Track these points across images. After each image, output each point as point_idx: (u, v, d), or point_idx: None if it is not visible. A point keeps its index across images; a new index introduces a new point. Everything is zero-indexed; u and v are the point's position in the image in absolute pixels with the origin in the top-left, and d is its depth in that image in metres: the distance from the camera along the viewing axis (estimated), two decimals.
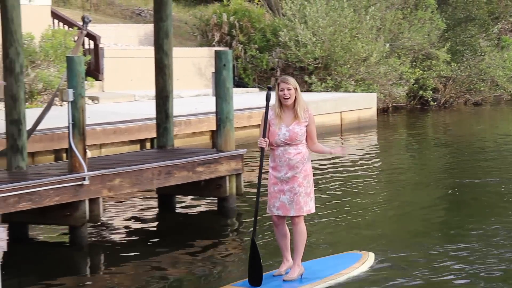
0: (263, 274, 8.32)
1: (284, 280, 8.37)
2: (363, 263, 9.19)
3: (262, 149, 8.19)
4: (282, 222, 8.41)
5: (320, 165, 17.16)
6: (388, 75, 25.46)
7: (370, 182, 15.14)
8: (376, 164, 17.66)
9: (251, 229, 8.73)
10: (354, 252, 9.62)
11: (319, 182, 14.99)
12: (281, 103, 8.23)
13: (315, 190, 13.21)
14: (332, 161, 17.64)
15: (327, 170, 16.37)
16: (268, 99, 8.27)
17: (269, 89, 8.39)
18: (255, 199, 8.42)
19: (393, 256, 9.85)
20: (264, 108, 8.28)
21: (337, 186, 14.69)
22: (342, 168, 16.59)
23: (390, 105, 26.41)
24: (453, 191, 14.47)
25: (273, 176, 8.28)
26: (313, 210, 8.44)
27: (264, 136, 8.17)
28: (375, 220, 12.12)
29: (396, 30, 26.94)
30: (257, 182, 8.37)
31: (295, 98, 8.21)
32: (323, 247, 10.38)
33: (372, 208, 12.87)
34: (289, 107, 8.23)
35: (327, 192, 14.16)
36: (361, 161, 17.67)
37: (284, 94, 8.17)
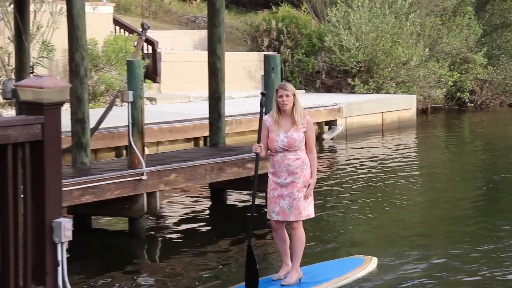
0: (263, 278, 7.98)
1: (282, 285, 7.93)
2: (364, 268, 8.64)
3: (257, 154, 7.81)
4: (281, 227, 7.97)
5: (355, 159, 17.12)
6: (427, 78, 25.30)
7: (404, 181, 15.01)
8: (413, 162, 17.56)
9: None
10: (357, 256, 9.09)
11: (351, 178, 14.96)
12: (279, 109, 7.80)
13: (349, 186, 13.06)
14: (369, 157, 17.60)
15: (363, 167, 16.33)
16: (262, 105, 7.87)
17: (263, 95, 7.98)
18: None
19: (398, 261, 9.24)
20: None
21: (367, 184, 14.60)
22: (378, 165, 16.54)
23: (429, 106, 26.23)
24: (487, 188, 14.30)
25: (272, 182, 7.89)
26: (313, 215, 7.97)
27: (259, 142, 7.78)
28: (396, 221, 11.68)
29: (435, 36, 26.77)
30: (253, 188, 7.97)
31: (293, 104, 7.78)
32: (333, 249, 10.01)
33: (396, 207, 12.58)
34: (287, 113, 7.79)
35: (355, 190, 14.10)
36: (398, 159, 17.60)
37: (283, 101, 7.73)
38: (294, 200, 7.81)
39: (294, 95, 7.75)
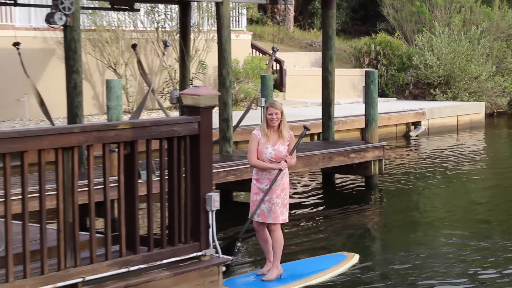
0: (248, 273, 7.19)
1: (263, 280, 6.97)
2: (344, 264, 7.48)
3: (280, 170, 6.77)
4: (262, 228, 6.97)
5: (434, 152, 16.68)
6: (494, 89, 24.46)
7: (473, 170, 14.52)
8: (481, 155, 16.97)
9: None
10: (341, 253, 7.88)
11: (430, 167, 14.52)
12: (267, 124, 6.82)
13: (423, 173, 12.38)
14: (445, 150, 17.12)
15: (440, 157, 15.89)
16: (301, 136, 6.91)
17: (306, 128, 6.98)
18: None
19: (381, 258, 8.03)
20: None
21: (442, 172, 14.19)
22: (452, 156, 16.06)
23: (495, 111, 25.26)
24: None
25: (256, 187, 6.88)
26: (287, 220, 6.94)
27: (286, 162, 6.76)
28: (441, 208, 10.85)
29: (501, 56, 25.77)
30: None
31: (281, 120, 6.81)
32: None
33: (460, 193, 12.08)
34: (274, 128, 6.81)
35: (429, 177, 13.69)
36: (469, 152, 17.05)
37: (272, 118, 6.75)
38: (272, 205, 6.82)
39: (282, 112, 6.81)
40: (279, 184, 6.82)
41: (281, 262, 7.09)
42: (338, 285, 7.06)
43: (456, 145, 18.53)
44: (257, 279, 6.98)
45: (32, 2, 13.60)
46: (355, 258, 7.65)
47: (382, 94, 23.32)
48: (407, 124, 20.00)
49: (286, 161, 6.76)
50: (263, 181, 6.82)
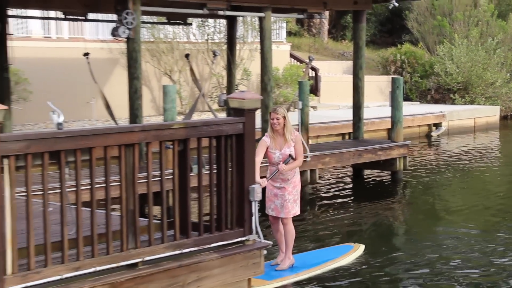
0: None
1: (276, 270, 6.76)
2: (350, 254, 7.25)
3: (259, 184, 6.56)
4: (277, 221, 6.79)
5: (453, 150, 16.38)
6: (508, 94, 23.94)
7: (487, 167, 14.21)
8: (495, 152, 16.59)
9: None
10: (348, 244, 7.63)
11: (448, 163, 14.27)
12: (272, 128, 6.54)
13: (442, 169, 12.08)
14: (463, 148, 16.80)
15: (458, 155, 15.59)
16: (286, 162, 6.55)
17: (291, 157, 6.55)
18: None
19: (387, 249, 7.65)
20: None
21: (459, 168, 13.92)
22: (469, 154, 15.74)
23: (509, 114, 24.71)
24: None
25: (270, 185, 6.68)
26: (299, 213, 6.76)
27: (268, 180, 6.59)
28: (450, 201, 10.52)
29: None
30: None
31: (284, 125, 6.48)
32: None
33: (473, 191, 11.75)
34: (279, 132, 6.52)
35: (448, 172, 13.43)
36: (485, 150, 16.70)
37: (274, 123, 6.48)
38: (284, 201, 6.66)
39: (284, 117, 6.47)
40: (290, 182, 6.65)
41: (303, 249, 6.99)
42: (345, 274, 6.85)
43: (473, 144, 18.19)
44: (271, 268, 6.79)
45: (100, 18, 13.82)
46: (360, 249, 7.45)
47: (406, 98, 22.99)
48: (429, 125, 19.74)
49: (279, 169, 6.53)
50: (277, 181, 6.67)
